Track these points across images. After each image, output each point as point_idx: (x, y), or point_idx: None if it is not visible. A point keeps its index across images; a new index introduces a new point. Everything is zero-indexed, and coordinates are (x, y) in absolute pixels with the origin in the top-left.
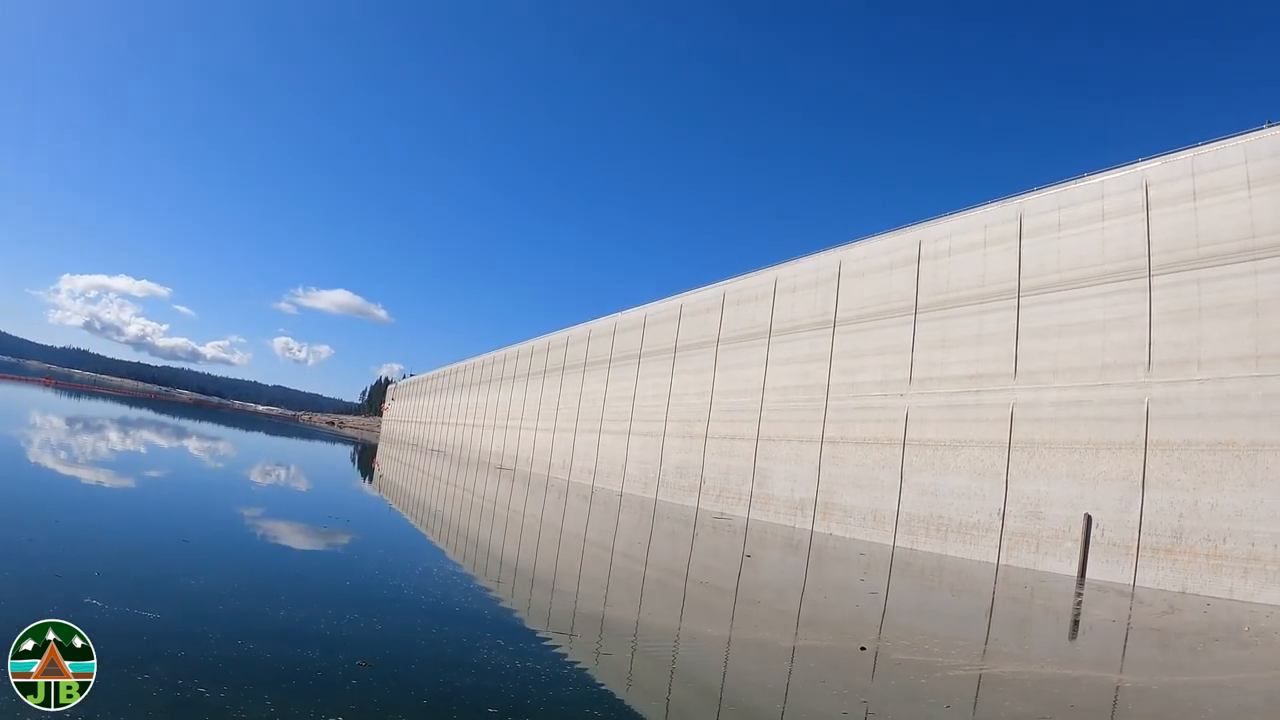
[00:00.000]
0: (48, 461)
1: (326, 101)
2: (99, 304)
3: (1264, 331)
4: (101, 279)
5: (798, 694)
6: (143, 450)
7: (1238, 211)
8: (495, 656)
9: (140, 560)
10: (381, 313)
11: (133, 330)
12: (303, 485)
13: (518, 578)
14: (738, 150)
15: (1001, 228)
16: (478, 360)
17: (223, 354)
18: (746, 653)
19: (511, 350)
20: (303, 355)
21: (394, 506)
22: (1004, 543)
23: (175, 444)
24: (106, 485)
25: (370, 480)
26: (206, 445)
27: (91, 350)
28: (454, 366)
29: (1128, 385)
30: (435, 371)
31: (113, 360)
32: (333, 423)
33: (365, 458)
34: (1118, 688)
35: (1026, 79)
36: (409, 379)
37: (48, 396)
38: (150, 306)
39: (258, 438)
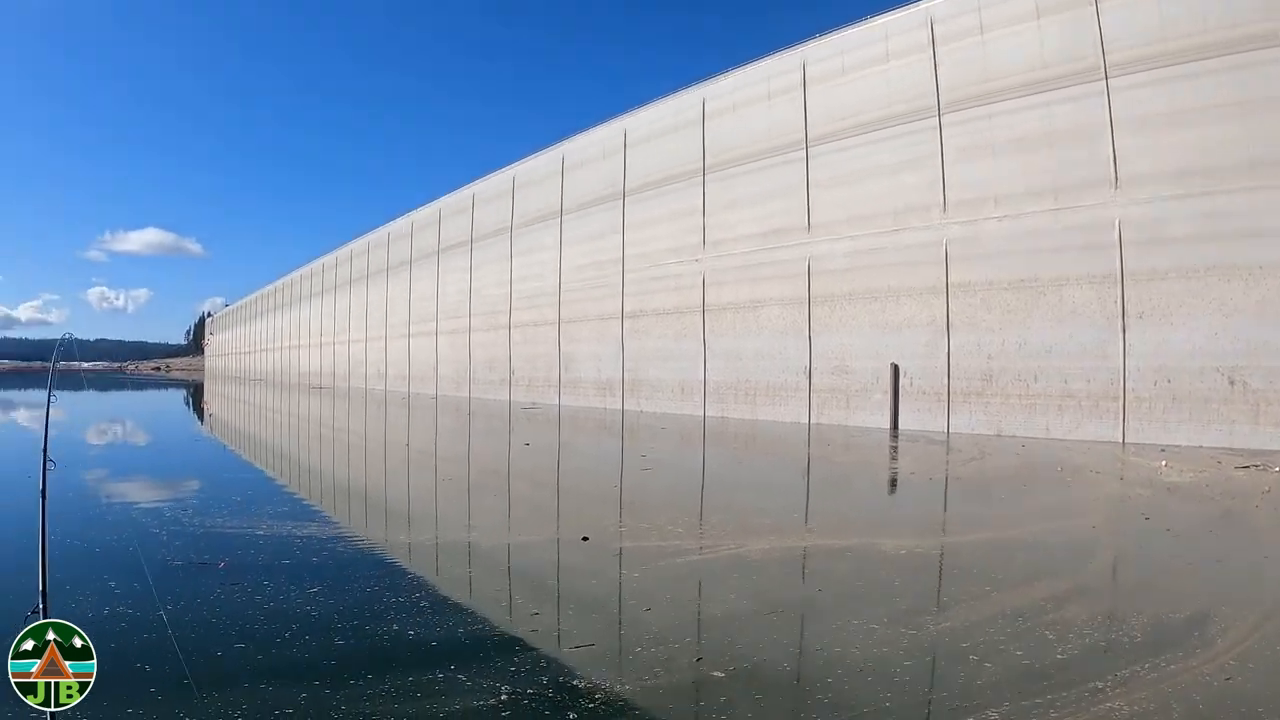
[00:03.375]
0: None
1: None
2: None
3: (1059, 165)
4: None
5: (463, 600)
6: None
7: (1027, 43)
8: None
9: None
10: (195, 246)
11: None
12: (161, 440)
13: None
14: (514, 20)
15: (784, 79)
16: (285, 281)
17: (38, 315)
18: (449, 558)
19: (317, 264)
20: (120, 303)
21: (244, 453)
22: (813, 400)
23: (8, 419)
24: None
25: (205, 422)
26: (37, 414)
27: None
28: (263, 291)
29: (924, 228)
30: (248, 299)
31: None
32: (159, 368)
33: (195, 400)
34: (894, 557)
35: None
36: (225, 310)
37: None
38: None
39: (90, 397)
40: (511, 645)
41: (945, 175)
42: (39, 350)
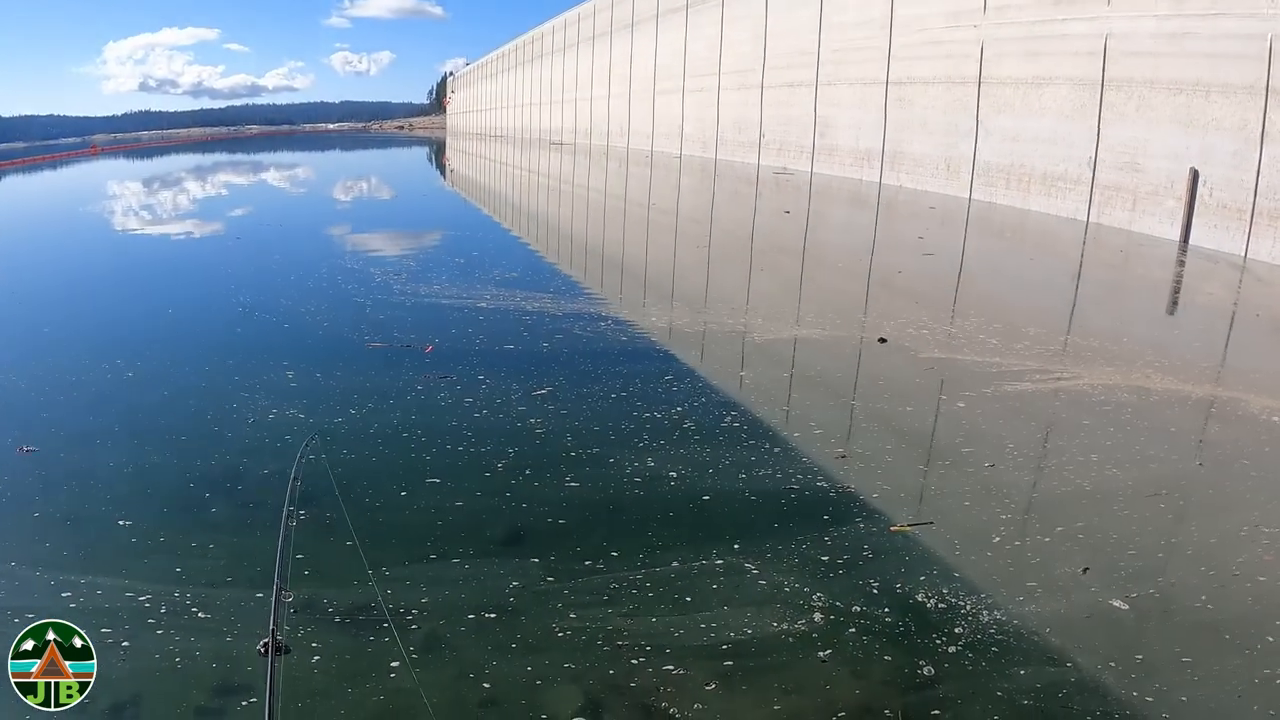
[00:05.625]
0: (154, 229)
1: None
2: (148, 63)
3: None
4: (145, 38)
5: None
6: (225, 192)
7: None
8: None
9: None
10: (436, 9)
11: (188, 79)
12: (395, 195)
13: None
14: None
15: None
16: (525, 38)
17: (284, 81)
18: (716, 357)
19: (558, 20)
20: (364, 66)
21: (478, 209)
22: (1095, 197)
23: (255, 179)
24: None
25: (445, 177)
26: (287, 174)
27: (153, 109)
28: (503, 49)
29: (1247, 15)
30: (488, 57)
31: (175, 114)
32: (402, 126)
33: (437, 156)
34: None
35: None
36: (465, 70)
37: (112, 164)
38: (201, 52)
39: (333, 156)
40: (817, 511)
41: None
42: (285, 114)
